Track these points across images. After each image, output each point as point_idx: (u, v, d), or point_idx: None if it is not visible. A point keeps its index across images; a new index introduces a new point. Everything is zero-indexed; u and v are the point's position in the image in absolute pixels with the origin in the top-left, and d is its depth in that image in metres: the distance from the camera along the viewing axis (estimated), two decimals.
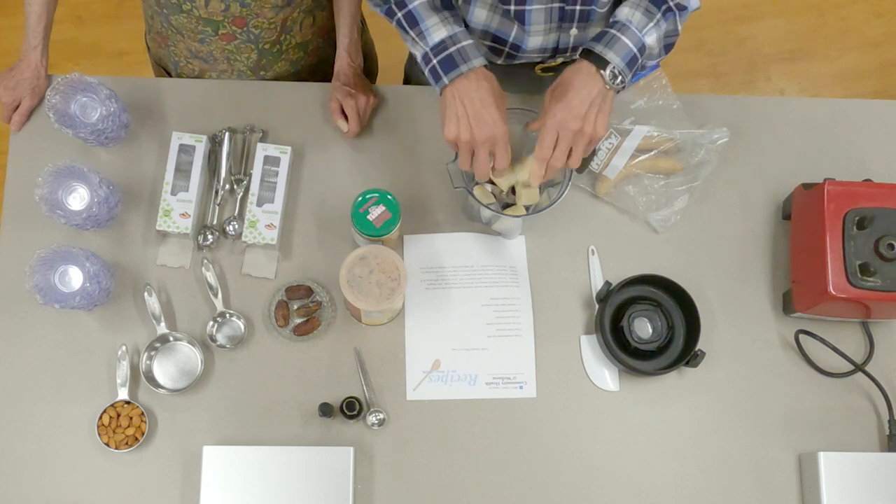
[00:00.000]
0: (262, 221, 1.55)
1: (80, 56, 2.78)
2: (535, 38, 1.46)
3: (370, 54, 1.92)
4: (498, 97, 1.36)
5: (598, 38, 1.37)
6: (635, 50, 1.36)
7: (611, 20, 1.39)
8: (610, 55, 1.34)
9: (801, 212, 1.58)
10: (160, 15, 1.63)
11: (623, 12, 1.38)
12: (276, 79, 1.75)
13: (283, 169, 1.58)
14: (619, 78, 1.35)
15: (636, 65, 1.38)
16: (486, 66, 1.36)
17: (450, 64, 1.34)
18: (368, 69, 1.84)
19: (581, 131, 1.34)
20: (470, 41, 1.36)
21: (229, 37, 1.63)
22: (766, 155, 1.69)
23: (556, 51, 1.52)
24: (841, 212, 1.47)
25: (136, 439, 1.48)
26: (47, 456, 1.48)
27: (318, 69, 1.80)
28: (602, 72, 1.34)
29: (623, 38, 1.35)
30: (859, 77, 2.91)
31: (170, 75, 1.80)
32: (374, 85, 1.72)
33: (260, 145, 1.59)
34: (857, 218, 1.46)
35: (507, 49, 1.51)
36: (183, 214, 1.55)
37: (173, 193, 1.56)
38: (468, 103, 1.33)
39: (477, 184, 1.56)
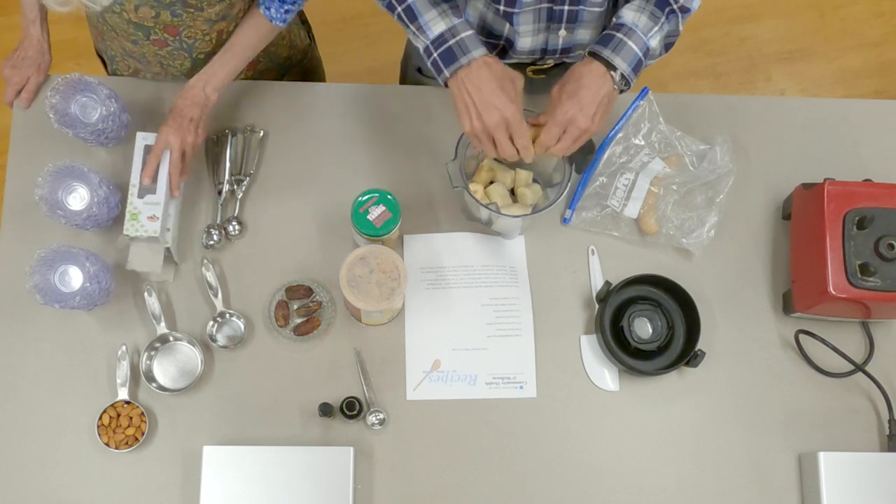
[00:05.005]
0: (144, 213, 1.47)
1: (80, 56, 2.77)
2: (525, 39, 1.46)
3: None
4: (502, 79, 1.35)
5: (604, 41, 1.37)
6: (641, 54, 1.37)
7: (616, 22, 1.39)
8: (617, 60, 1.36)
9: (801, 212, 1.58)
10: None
11: (628, 16, 1.38)
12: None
13: (164, 161, 1.50)
14: (626, 81, 1.37)
15: (641, 67, 1.39)
16: (486, 54, 1.35)
17: (450, 57, 1.34)
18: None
19: (588, 130, 1.37)
20: (469, 32, 1.36)
21: (161, 43, 1.57)
22: (766, 155, 1.69)
23: (545, 52, 1.52)
24: (841, 212, 1.47)
25: (136, 439, 1.48)
26: (47, 456, 1.48)
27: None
28: (612, 73, 1.36)
29: (629, 42, 1.36)
30: (859, 77, 2.90)
31: (107, 67, 1.77)
32: (374, 84, 1.72)
33: (140, 135, 1.52)
34: (857, 218, 1.46)
35: (501, 43, 1.51)
36: (151, 217, 1.48)
37: (140, 196, 1.49)
38: (474, 92, 1.33)
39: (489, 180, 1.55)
